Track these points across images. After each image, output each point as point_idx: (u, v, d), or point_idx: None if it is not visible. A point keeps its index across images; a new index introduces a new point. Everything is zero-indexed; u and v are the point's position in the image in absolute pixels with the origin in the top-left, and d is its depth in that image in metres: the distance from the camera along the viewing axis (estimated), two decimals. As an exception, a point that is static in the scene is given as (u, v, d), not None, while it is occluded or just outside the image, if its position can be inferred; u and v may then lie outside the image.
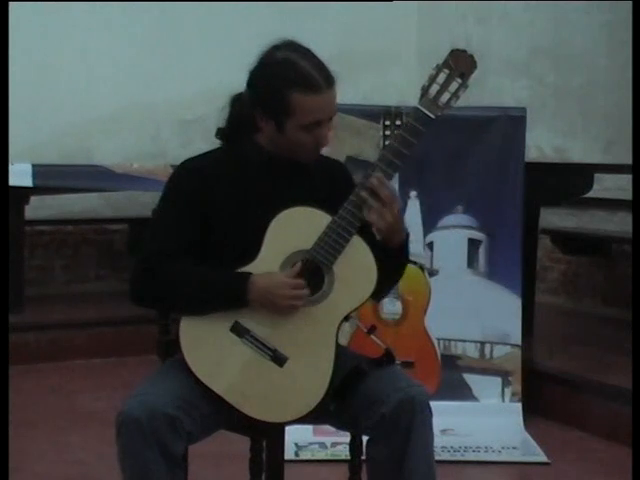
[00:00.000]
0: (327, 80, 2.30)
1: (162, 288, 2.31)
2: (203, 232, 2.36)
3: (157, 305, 2.43)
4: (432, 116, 2.31)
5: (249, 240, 2.30)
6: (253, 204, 2.37)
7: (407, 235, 2.40)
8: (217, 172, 2.39)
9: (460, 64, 2.32)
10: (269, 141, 2.39)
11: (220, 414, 2.29)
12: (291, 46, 2.33)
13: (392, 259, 2.38)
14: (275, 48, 2.33)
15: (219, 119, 2.44)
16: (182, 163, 2.44)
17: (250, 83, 2.36)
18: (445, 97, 2.32)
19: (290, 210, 2.31)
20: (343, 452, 3.31)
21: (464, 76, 2.33)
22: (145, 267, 2.32)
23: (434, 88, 2.32)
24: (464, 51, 2.34)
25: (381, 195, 2.28)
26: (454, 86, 2.32)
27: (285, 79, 2.28)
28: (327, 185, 2.44)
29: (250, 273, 2.28)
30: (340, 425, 2.46)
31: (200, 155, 2.46)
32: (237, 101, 2.43)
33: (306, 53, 2.32)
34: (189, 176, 2.39)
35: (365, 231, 2.35)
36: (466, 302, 4.21)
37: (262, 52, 2.34)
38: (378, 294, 2.41)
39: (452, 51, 2.33)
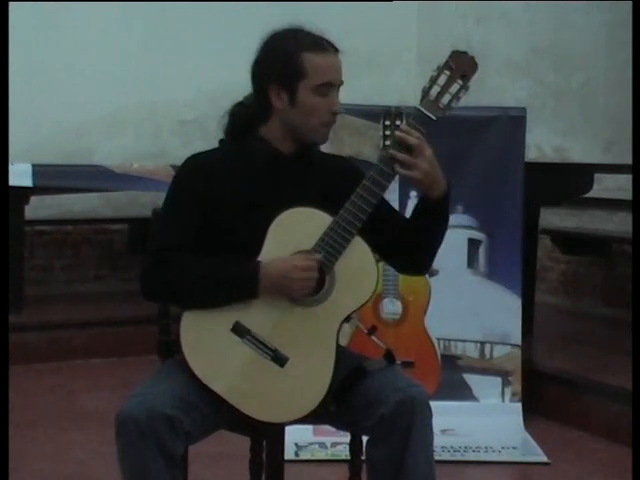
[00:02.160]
0: (332, 46, 2.38)
1: (173, 281, 2.30)
2: (207, 229, 2.36)
3: (169, 298, 2.41)
4: (433, 117, 2.30)
5: (251, 239, 2.30)
6: (257, 202, 2.37)
7: (449, 189, 2.36)
8: (222, 169, 2.40)
9: (461, 65, 2.32)
10: (278, 128, 2.39)
11: (220, 414, 2.29)
12: (290, 25, 2.42)
13: (435, 216, 2.37)
14: (275, 30, 2.41)
15: (218, 129, 2.46)
16: (188, 159, 2.44)
17: (258, 62, 2.39)
18: (446, 98, 2.31)
19: (291, 210, 2.31)
20: (343, 452, 3.31)
21: (465, 78, 2.32)
22: (155, 261, 2.32)
23: (435, 89, 2.31)
24: (465, 52, 2.33)
25: (410, 143, 2.27)
26: (455, 87, 2.32)
27: (295, 44, 2.35)
28: (332, 181, 2.44)
29: (260, 261, 2.27)
30: (340, 425, 2.47)
31: (206, 151, 2.47)
32: (238, 106, 2.46)
33: (304, 28, 2.41)
34: (195, 172, 2.40)
35: (370, 230, 2.34)
36: (466, 302, 4.21)
37: (264, 38, 2.40)
38: (424, 262, 2.43)
39: (453, 52, 2.33)
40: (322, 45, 2.35)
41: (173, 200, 2.40)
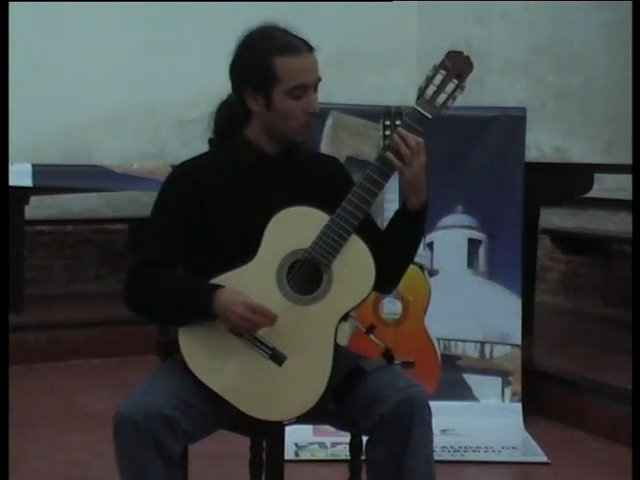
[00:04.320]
0: (306, 44, 2.36)
1: (145, 299, 2.34)
2: (201, 233, 2.36)
3: (144, 314, 2.43)
4: (429, 116, 2.32)
5: (246, 240, 2.31)
6: (248, 204, 2.38)
7: (426, 202, 2.41)
8: (211, 173, 2.41)
9: (457, 65, 2.33)
10: (260, 129, 2.40)
11: (219, 413, 2.30)
12: (263, 25, 2.41)
13: (409, 228, 2.40)
14: (248, 31, 2.41)
15: (207, 128, 2.46)
16: (176, 166, 2.47)
17: (233, 67, 2.40)
18: (442, 98, 2.33)
19: (288, 210, 2.31)
20: (343, 452, 3.31)
21: (461, 77, 2.34)
22: (135, 276, 2.35)
23: (431, 89, 2.33)
24: (461, 52, 2.35)
25: (410, 142, 2.30)
26: (450, 87, 2.33)
27: (265, 48, 2.34)
28: (321, 181, 2.45)
29: (219, 286, 2.26)
30: (340, 425, 2.47)
31: (195, 157, 2.48)
32: (223, 105, 2.46)
33: (278, 26, 2.39)
34: (184, 179, 2.41)
35: (364, 229, 2.35)
36: (466, 302, 4.21)
37: (237, 40, 2.41)
38: (392, 280, 2.43)
39: (449, 52, 2.35)
40: (294, 46, 2.34)
41: (160, 211, 2.41)
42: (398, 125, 3.89)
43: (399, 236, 2.40)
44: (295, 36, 2.37)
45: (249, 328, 2.26)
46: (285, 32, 2.38)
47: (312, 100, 2.36)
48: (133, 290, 2.35)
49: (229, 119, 2.44)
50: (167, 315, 2.35)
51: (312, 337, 2.29)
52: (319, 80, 2.38)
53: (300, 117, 2.36)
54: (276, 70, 2.32)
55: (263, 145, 2.42)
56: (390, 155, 2.31)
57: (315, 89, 2.38)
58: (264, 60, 2.32)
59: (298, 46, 2.35)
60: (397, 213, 2.43)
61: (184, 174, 2.42)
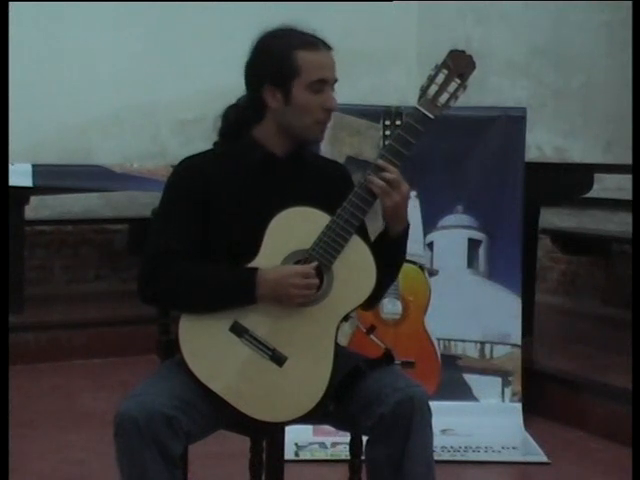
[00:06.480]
0: (324, 43, 2.39)
1: (171, 286, 2.31)
2: (203, 230, 2.36)
3: (167, 303, 2.42)
4: (431, 116, 2.32)
5: (247, 239, 2.31)
6: (251, 203, 2.38)
7: (408, 226, 2.41)
8: (216, 170, 2.40)
9: (459, 64, 2.33)
10: (272, 129, 2.40)
11: (219, 414, 2.29)
12: (281, 25, 2.43)
13: (391, 252, 2.40)
14: (267, 31, 2.42)
15: (214, 129, 2.46)
16: (181, 161, 2.45)
17: (251, 64, 2.41)
18: (444, 97, 2.33)
19: (289, 210, 2.31)
20: (343, 452, 3.31)
21: (463, 76, 2.34)
22: (153, 266, 2.32)
23: (433, 88, 2.33)
24: (463, 52, 2.36)
25: (386, 177, 2.29)
26: (453, 86, 2.34)
27: (287, 43, 2.36)
28: (325, 184, 2.45)
29: (257, 268, 2.28)
30: (339, 425, 2.47)
31: (199, 153, 2.47)
32: (232, 108, 2.46)
33: (296, 27, 2.41)
34: (189, 174, 2.41)
35: (363, 232, 2.35)
36: (466, 302, 4.21)
37: (256, 39, 2.41)
38: (373, 299, 2.39)
39: (451, 52, 2.35)
40: (314, 43, 2.37)
41: (169, 203, 2.40)
42: (398, 125, 3.92)
43: (382, 259, 2.37)
44: (312, 33, 2.40)
45: (310, 295, 2.27)
46: (302, 29, 2.41)
47: (330, 96, 2.38)
48: (156, 276, 2.30)
49: (237, 122, 2.44)
50: (196, 301, 2.29)
51: (313, 338, 2.29)
52: (336, 80, 2.40)
53: (317, 112, 2.36)
54: (297, 63, 2.33)
55: (270, 146, 2.42)
56: (374, 179, 2.30)
57: (332, 87, 2.39)
58: (285, 54, 2.34)
59: (318, 43, 2.38)
60: (380, 236, 2.43)
61: (189, 170, 2.41)
